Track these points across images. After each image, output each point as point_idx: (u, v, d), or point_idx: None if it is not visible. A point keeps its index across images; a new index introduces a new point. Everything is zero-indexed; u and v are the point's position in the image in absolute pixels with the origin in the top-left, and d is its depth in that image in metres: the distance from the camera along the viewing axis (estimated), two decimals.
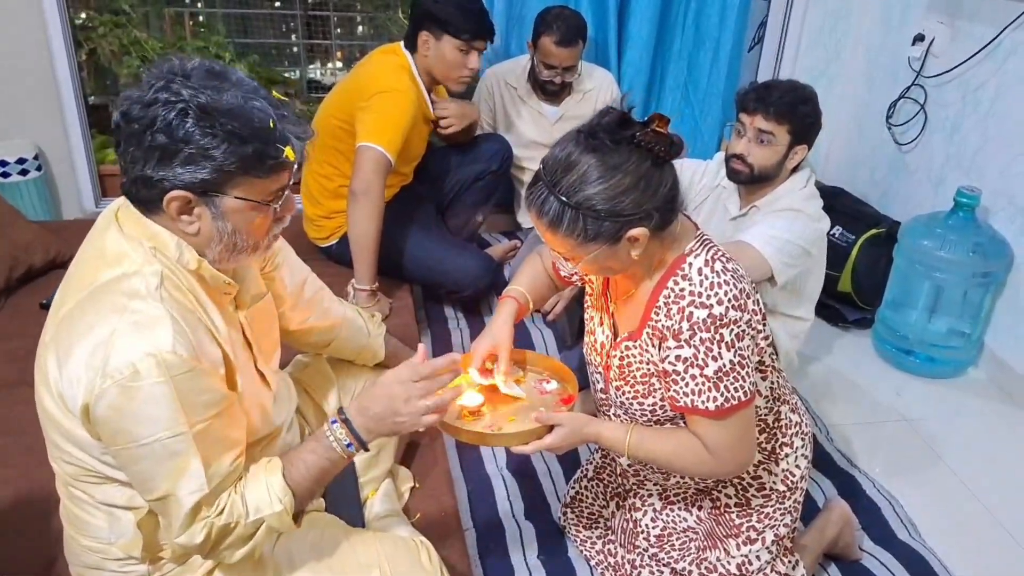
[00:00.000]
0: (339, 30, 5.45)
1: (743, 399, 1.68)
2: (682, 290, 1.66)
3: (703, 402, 1.67)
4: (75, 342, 1.37)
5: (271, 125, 1.39)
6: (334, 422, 1.57)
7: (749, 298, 1.68)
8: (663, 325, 1.68)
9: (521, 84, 3.72)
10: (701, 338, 1.63)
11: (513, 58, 3.86)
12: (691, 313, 1.63)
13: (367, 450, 1.60)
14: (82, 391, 1.36)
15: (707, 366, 1.64)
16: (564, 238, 1.60)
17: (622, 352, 1.81)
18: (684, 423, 1.84)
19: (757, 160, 2.51)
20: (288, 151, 1.41)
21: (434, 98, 3.21)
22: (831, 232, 3.32)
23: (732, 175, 2.59)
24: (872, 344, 3.53)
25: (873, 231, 3.57)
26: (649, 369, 1.77)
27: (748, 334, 1.67)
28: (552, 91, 3.66)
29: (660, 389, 1.78)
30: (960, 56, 3.38)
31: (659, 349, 1.72)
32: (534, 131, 3.74)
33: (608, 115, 1.59)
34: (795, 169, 2.60)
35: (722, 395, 1.66)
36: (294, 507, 1.51)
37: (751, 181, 2.57)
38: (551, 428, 1.77)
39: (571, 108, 3.74)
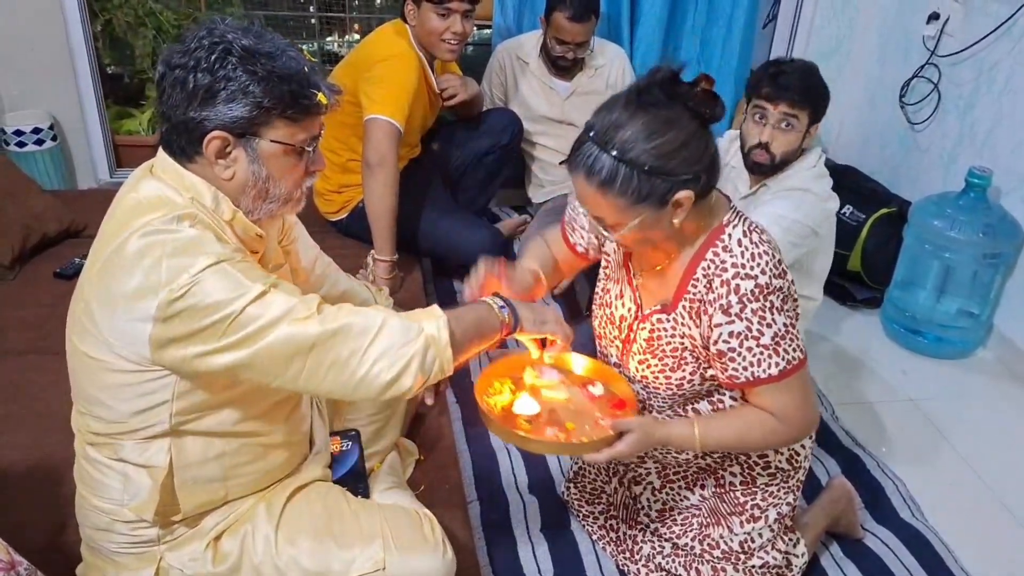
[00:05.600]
0: (356, 2, 5.44)
1: (800, 358, 1.69)
2: (723, 262, 1.66)
3: (764, 370, 1.67)
4: (122, 282, 1.42)
5: (305, 70, 1.49)
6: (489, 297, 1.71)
7: (783, 265, 1.69)
8: (703, 298, 1.68)
9: (533, 59, 3.71)
10: (752, 308, 1.63)
11: (525, 33, 3.85)
12: (738, 286, 1.63)
13: (516, 326, 1.70)
14: (146, 321, 1.40)
15: (763, 335, 1.64)
16: (614, 199, 1.58)
17: (652, 325, 1.81)
18: (706, 399, 1.86)
19: (780, 147, 2.50)
20: (320, 96, 1.50)
21: (437, 75, 3.23)
22: (841, 211, 3.31)
23: (755, 167, 2.57)
24: (880, 324, 3.52)
25: (883, 211, 3.56)
26: (683, 343, 1.77)
27: (790, 297, 1.68)
28: (564, 66, 3.64)
29: (691, 363, 1.78)
30: (975, 35, 3.35)
31: (698, 323, 1.72)
32: (545, 106, 3.73)
33: (660, 72, 1.58)
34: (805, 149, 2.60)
35: (782, 358, 1.66)
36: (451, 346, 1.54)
37: (772, 171, 2.56)
38: (620, 434, 1.73)
39: (583, 84, 3.72)
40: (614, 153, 1.53)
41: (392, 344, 1.48)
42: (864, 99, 4.16)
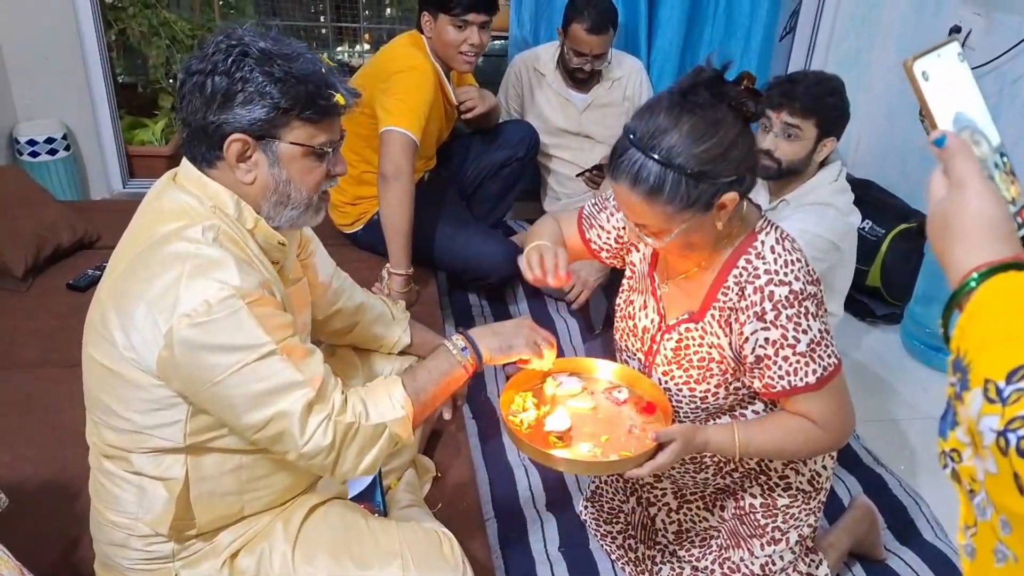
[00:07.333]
0: (367, 12, 5.44)
1: (836, 363, 1.67)
2: (756, 268, 1.63)
3: (801, 379, 1.64)
4: (140, 295, 1.41)
5: (322, 71, 1.50)
6: (453, 334, 1.74)
7: (815, 272, 1.67)
8: (735, 305, 1.65)
9: (549, 71, 3.69)
10: (787, 315, 1.60)
11: (542, 44, 3.83)
12: (772, 292, 1.60)
13: (480, 361, 1.73)
14: (157, 339, 1.40)
15: (799, 342, 1.61)
16: (662, 207, 1.53)
17: (680, 335, 1.77)
18: (727, 414, 1.82)
19: (785, 155, 2.48)
20: (339, 97, 1.51)
21: (454, 87, 3.20)
22: (861, 226, 3.27)
23: (760, 171, 2.56)
24: (900, 340, 3.49)
25: (904, 225, 3.53)
26: (710, 354, 1.74)
27: (823, 304, 1.66)
28: (581, 79, 3.62)
29: (716, 375, 1.75)
30: (997, 49, 3.31)
31: (727, 332, 1.69)
32: (561, 118, 3.71)
33: (704, 72, 1.55)
34: (824, 162, 2.57)
35: (819, 365, 1.64)
36: (414, 416, 1.60)
37: (780, 176, 2.54)
38: (659, 444, 1.65)
39: (600, 96, 3.70)
40: (661, 159, 1.49)
41: (363, 447, 1.55)
42: (883, 113, 4.13)
